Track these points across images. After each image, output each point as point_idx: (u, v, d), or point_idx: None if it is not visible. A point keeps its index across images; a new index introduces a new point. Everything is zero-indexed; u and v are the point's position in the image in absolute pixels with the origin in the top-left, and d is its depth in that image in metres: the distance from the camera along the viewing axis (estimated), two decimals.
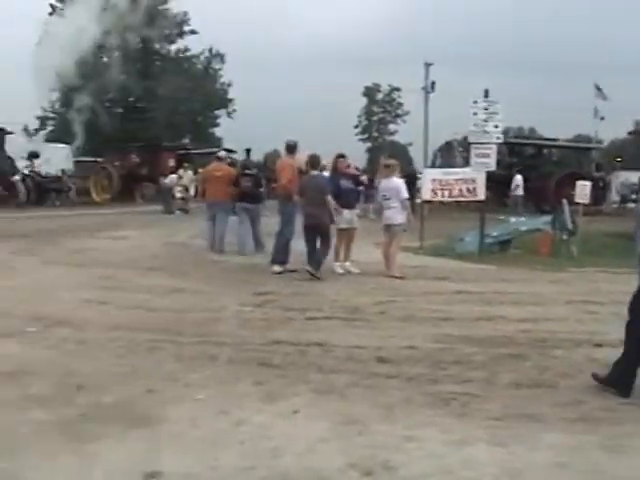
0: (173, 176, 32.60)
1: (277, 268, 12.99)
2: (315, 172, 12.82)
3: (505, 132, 22.55)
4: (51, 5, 56.65)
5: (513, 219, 20.46)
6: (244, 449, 4.74)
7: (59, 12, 56.06)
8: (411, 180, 25.09)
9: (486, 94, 16.58)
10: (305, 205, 12.66)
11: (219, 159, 17.80)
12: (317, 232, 12.45)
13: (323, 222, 12.43)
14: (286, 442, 4.85)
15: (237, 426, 5.15)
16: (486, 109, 16.28)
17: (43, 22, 55.42)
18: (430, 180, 17.12)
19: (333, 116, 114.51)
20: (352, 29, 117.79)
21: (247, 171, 16.50)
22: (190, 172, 35.33)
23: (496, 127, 16.37)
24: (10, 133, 39.03)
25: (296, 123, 71.51)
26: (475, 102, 16.38)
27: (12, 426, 5.09)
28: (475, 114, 16.29)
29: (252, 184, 16.14)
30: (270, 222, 15.37)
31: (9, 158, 36.00)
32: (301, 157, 14.05)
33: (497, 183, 30.75)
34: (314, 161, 12.88)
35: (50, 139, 54.87)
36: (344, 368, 6.67)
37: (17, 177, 35.82)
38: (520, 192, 35.26)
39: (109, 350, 7.27)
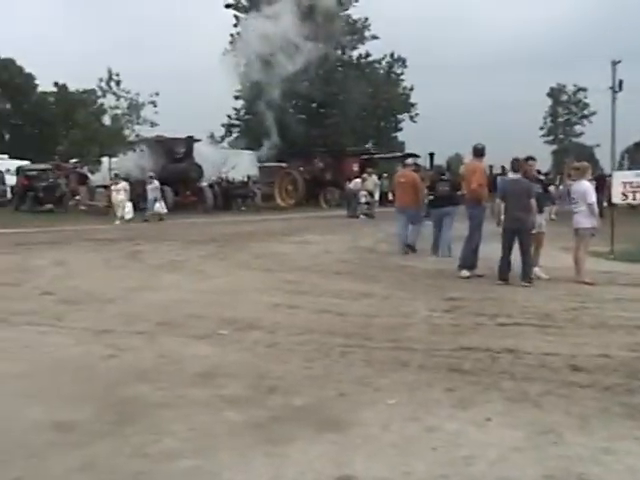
0: (357, 180, 32.86)
1: (465, 273, 12.87)
2: (517, 175, 12.51)
3: None
4: (235, 16, 58.47)
5: None
6: (436, 456, 4.72)
7: (243, 23, 57.97)
8: (600, 183, 24.22)
9: None
10: (508, 209, 12.43)
11: (405, 166, 18.25)
12: (517, 236, 12.18)
13: (525, 227, 12.16)
14: (479, 450, 4.80)
15: (429, 432, 5.14)
16: None
17: (228, 33, 57.73)
18: (620, 183, 16.46)
19: (516, 118, 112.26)
20: (535, 29, 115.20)
21: (443, 176, 17.00)
22: (374, 177, 35.57)
23: None
24: (197, 140, 40.48)
25: (478, 126, 70.74)
26: None
27: (207, 426, 5.29)
28: None
29: (449, 188, 16.43)
30: (459, 227, 15.33)
31: (197, 165, 37.33)
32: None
33: None
34: (516, 165, 12.60)
35: (235, 146, 56.72)
36: (537, 376, 6.53)
37: (205, 183, 37.15)
38: None
39: (300, 353, 7.40)
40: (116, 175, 31.99)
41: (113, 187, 30.06)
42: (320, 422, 5.35)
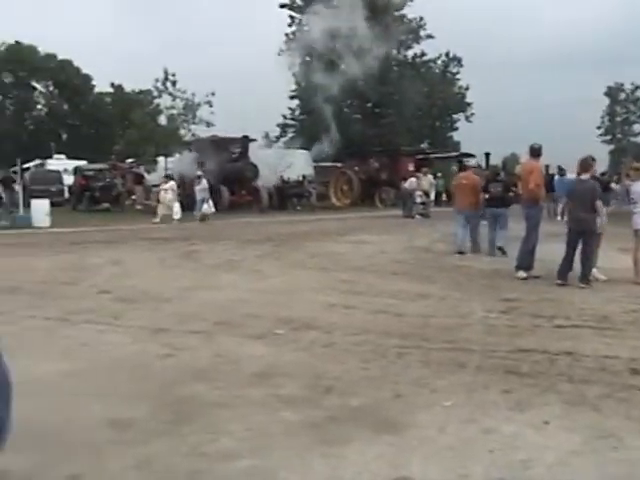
0: (413, 180, 32.71)
1: (522, 274, 12.74)
2: (585, 176, 12.30)
3: None
4: (290, 16, 58.70)
5: None
6: (494, 459, 4.68)
7: (298, 23, 58.19)
8: None
9: None
10: (573, 210, 12.26)
11: (465, 167, 18.48)
12: (581, 238, 12.00)
13: (590, 228, 11.95)
14: (537, 453, 4.76)
15: (486, 435, 5.10)
16: None
17: (283, 33, 57.97)
18: None
19: (573, 117, 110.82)
20: (594, 26, 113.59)
21: (498, 177, 17.21)
22: (430, 176, 35.40)
23: None
24: (253, 140, 40.65)
25: (535, 125, 69.95)
26: None
27: (264, 425, 5.31)
28: None
29: (502, 189, 16.59)
30: (515, 227, 15.23)
31: (253, 164, 37.48)
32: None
33: None
34: (585, 165, 12.37)
35: (290, 146, 56.95)
36: (596, 379, 6.43)
37: (260, 183, 37.33)
38: None
39: (356, 354, 7.39)
40: (166, 175, 32.27)
41: (161, 186, 30.31)
42: (377, 423, 5.34)
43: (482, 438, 5.04)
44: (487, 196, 16.75)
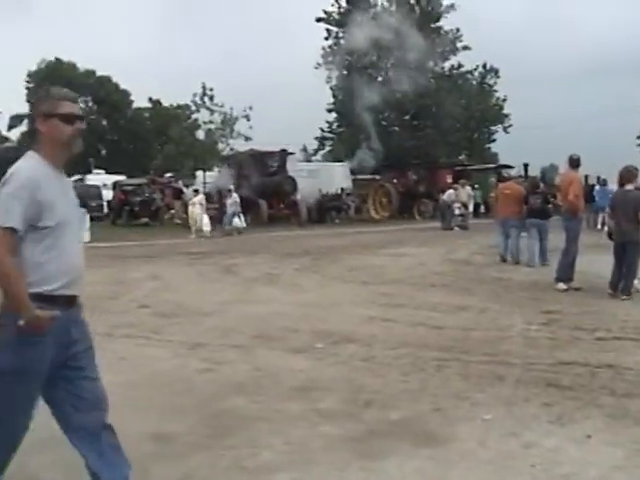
0: (451, 192, 32.62)
1: (562, 286, 12.63)
2: (630, 186, 12.13)
3: None
4: (327, 30, 58.86)
5: None
6: (534, 473, 4.64)
7: (334, 36, 58.36)
8: None
9: None
10: (616, 221, 12.14)
11: (504, 179, 18.63)
12: (625, 250, 11.86)
13: (632, 239, 11.78)
14: (578, 468, 4.71)
15: (527, 449, 5.05)
16: None
17: (320, 46, 58.18)
18: None
19: (613, 126, 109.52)
20: (630, 33, 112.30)
21: (537, 189, 17.12)
22: (468, 188, 35.32)
23: None
24: (291, 154, 40.79)
25: (573, 135, 69.19)
26: None
27: (304, 439, 5.32)
28: None
29: (541, 201, 16.60)
30: (554, 238, 15.15)
31: (291, 178, 37.60)
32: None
33: None
34: (629, 175, 12.20)
35: (328, 159, 56.98)
36: (638, 392, 6.35)
37: (299, 196, 37.42)
38: None
39: (395, 367, 7.38)
40: (195, 190, 32.47)
41: (190, 201, 30.47)
42: (416, 437, 5.32)
43: (523, 452, 4.99)
44: (527, 208, 16.74)
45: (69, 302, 3.75)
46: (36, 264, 3.58)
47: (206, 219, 28.96)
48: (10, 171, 3.62)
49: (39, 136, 3.76)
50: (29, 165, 3.67)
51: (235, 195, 30.68)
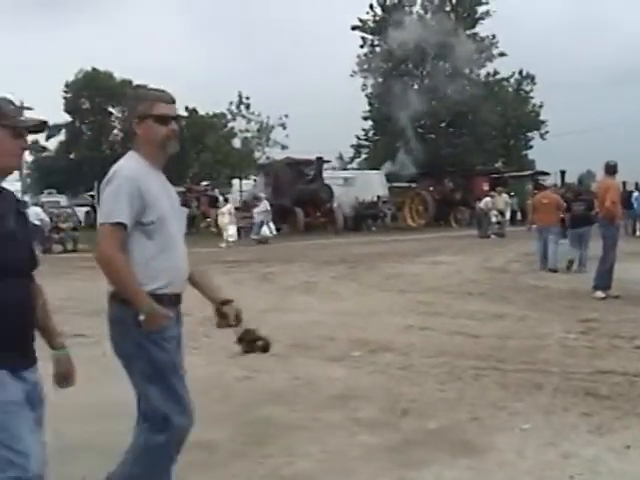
0: (488, 200, 32.48)
1: (600, 294, 12.52)
2: None
3: None
4: (362, 38, 58.98)
5: None
6: None
7: (370, 44, 58.47)
8: None
9: None
10: None
11: (541, 187, 18.84)
12: None
13: None
14: (618, 479, 4.68)
15: (565, 459, 5.01)
16: None
17: (355, 54, 58.33)
18: None
19: None
20: None
21: (580, 196, 17.36)
22: (505, 196, 35.13)
23: None
24: (327, 162, 40.86)
25: (610, 142, 68.39)
26: None
27: (342, 448, 5.32)
28: None
29: (584, 208, 16.64)
30: (592, 246, 15.08)
31: (327, 186, 37.67)
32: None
33: None
34: None
35: (364, 167, 56.96)
36: None
37: (335, 204, 37.47)
38: None
39: (433, 376, 7.37)
40: (225, 199, 32.56)
41: (219, 210, 30.57)
42: (454, 446, 5.30)
43: (562, 462, 4.95)
44: (569, 216, 16.82)
45: (174, 301, 3.82)
46: (144, 261, 3.64)
47: (232, 229, 28.95)
48: (112, 169, 3.69)
49: (135, 138, 3.83)
50: (130, 163, 3.75)
51: (265, 203, 30.70)
